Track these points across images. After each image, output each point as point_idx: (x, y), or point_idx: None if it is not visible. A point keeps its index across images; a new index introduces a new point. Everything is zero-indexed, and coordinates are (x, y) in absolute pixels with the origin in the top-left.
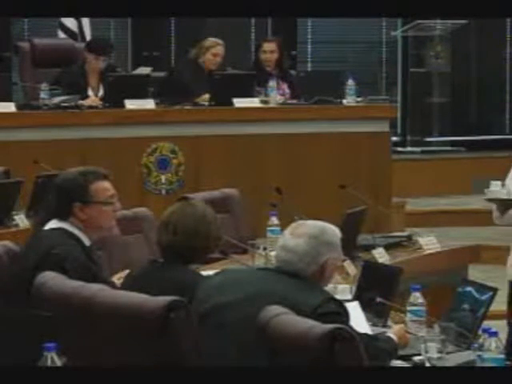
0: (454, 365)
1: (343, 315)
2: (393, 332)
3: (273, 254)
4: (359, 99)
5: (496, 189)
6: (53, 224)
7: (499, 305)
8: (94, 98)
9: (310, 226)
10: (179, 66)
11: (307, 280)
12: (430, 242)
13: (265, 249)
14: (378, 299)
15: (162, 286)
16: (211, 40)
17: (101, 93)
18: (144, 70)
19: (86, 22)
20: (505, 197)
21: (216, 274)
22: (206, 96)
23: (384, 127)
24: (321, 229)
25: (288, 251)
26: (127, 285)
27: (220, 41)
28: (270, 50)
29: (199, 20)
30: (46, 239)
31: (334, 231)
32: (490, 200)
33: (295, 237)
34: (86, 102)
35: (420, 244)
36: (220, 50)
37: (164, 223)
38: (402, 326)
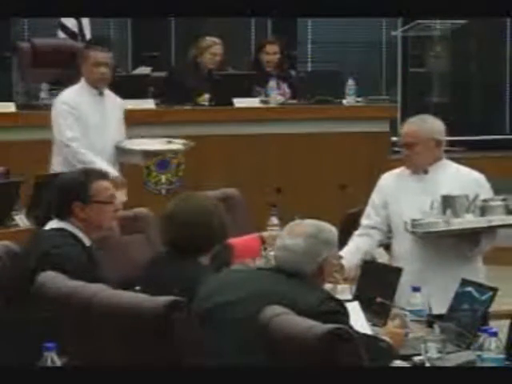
0: (454, 365)
1: (343, 314)
2: (386, 335)
3: (272, 253)
4: (359, 99)
5: (431, 220)
6: (53, 224)
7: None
8: None
9: (307, 225)
10: (179, 67)
11: (307, 279)
12: None
13: (265, 249)
14: (378, 299)
15: (166, 282)
16: (209, 39)
17: None
18: (144, 70)
19: (85, 21)
20: (445, 227)
21: (218, 274)
22: (206, 96)
23: (384, 127)
24: (318, 227)
25: (287, 251)
26: (132, 281)
27: (217, 39)
28: (272, 52)
29: (199, 20)
30: (46, 239)
31: (330, 229)
32: (428, 233)
33: (293, 236)
34: None
35: None
36: (218, 49)
37: (164, 217)
38: (391, 326)
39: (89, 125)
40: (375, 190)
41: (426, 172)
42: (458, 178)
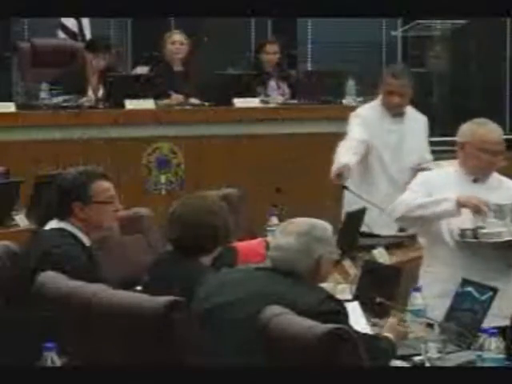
0: (454, 365)
1: (342, 314)
2: (387, 329)
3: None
4: (359, 99)
5: (495, 229)
6: (53, 224)
7: None
8: (90, 97)
9: (299, 223)
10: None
11: (304, 278)
12: None
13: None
14: (378, 299)
15: (167, 282)
16: (170, 32)
17: (101, 93)
18: (142, 70)
19: (85, 22)
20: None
21: (217, 274)
22: (179, 96)
23: None
24: (310, 225)
25: (280, 250)
26: (133, 281)
27: (177, 30)
28: (273, 52)
29: (199, 20)
30: (46, 239)
31: (324, 226)
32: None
33: (286, 235)
34: (83, 101)
35: (420, 244)
36: (177, 37)
37: (170, 217)
38: (393, 321)
39: (383, 143)
40: (418, 181)
41: (476, 180)
42: (504, 186)
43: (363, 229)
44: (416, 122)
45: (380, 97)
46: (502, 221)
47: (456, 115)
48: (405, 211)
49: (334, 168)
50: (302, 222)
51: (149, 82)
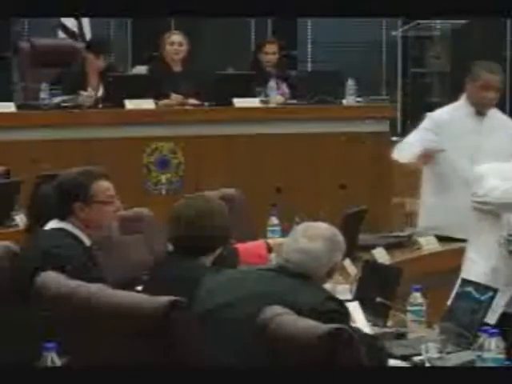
0: (454, 365)
1: (343, 314)
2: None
3: (273, 255)
4: (359, 99)
5: None
6: (53, 224)
7: None
8: (91, 92)
9: (323, 228)
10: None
11: (309, 280)
12: (430, 242)
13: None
14: (378, 299)
15: (168, 282)
16: (169, 32)
17: (101, 93)
18: (142, 70)
19: (85, 22)
20: None
21: (217, 274)
22: (178, 97)
23: (384, 127)
24: (332, 231)
25: (304, 253)
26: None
27: (176, 31)
28: (272, 52)
29: (199, 20)
30: (46, 239)
31: (338, 232)
32: None
33: (312, 240)
34: (84, 100)
35: (420, 244)
36: (176, 38)
37: (170, 217)
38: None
39: (459, 146)
40: None
41: None
42: None
43: (438, 232)
44: (499, 123)
45: (464, 96)
46: None
47: None
48: None
49: (415, 152)
50: (324, 227)
51: (149, 82)
